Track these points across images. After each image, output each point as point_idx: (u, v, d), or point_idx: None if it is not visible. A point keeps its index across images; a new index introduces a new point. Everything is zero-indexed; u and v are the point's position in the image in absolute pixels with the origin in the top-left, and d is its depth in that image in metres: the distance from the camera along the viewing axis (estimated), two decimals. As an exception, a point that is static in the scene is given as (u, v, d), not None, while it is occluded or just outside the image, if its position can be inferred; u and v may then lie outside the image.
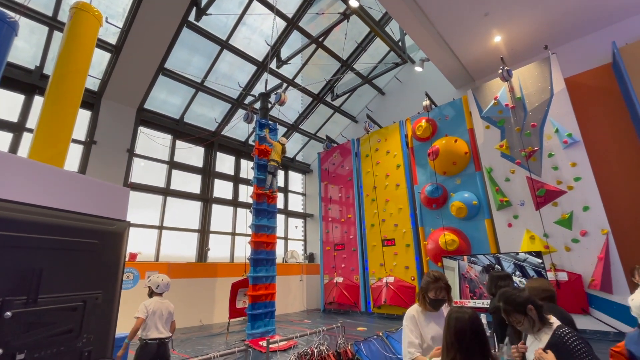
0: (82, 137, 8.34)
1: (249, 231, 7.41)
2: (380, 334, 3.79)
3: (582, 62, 7.75)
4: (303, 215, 14.12)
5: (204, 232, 10.28)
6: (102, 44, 7.77)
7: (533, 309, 1.94)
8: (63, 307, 1.22)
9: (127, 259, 7.71)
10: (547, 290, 2.46)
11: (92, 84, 8.50)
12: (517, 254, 6.17)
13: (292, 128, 12.52)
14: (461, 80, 9.80)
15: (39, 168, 1.50)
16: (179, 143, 10.36)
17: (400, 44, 10.51)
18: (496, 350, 2.69)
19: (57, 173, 1.60)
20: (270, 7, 8.53)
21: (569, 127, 6.85)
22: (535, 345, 1.98)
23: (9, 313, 1.02)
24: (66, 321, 1.23)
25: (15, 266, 1.10)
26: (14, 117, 7.38)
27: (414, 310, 2.35)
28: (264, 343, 2.85)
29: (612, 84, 7.23)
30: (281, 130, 12.14)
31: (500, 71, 7.65)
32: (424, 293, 2.31)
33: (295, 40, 10.43)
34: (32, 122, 7.49)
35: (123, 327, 4.68)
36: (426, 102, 9.16)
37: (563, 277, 6.30)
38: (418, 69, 10.74)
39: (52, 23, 7.30)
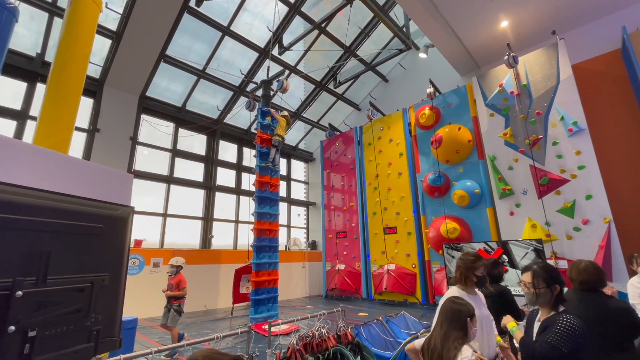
0: (86, 125, 8.37)
1: (252, 219, 7.49)
2: (381, 318, 3.87)
3: (590, 48, 7.58)
4: (305, 204, 14.20)
5: (208, 219, 10.40)
6: (103, 30, 7.70)
7: (558, 288, 1.91)
8: (71, 288, 1.27)
9: (132, 246, 7.84)
10: (592, 274, 2.20)
11: (94, 71, 8.46)
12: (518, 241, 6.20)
13: (295, 116, 12.45)
14: (466, 67, 9.63)
15: (46, 154, 1.53)
16: (181, 131, 10.36)
17: (404, 29, 10.30)
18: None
19: (62, 159, 1.63)
20: (272, -8, 8.37)
21: (574, 114, 6.76)
22: (536, 326, 1.98)
23: (20, 292, 1.06)
24: (75, 301, 1.27)
25: (24, 248, 1.14)
26: (17, 105, 7.40)
27: (456, 292, 2.27)
28: (266, 327, 2.92)
29: (621, 71, 7.08)
30: (283, 118, 12.08)
31: (506, 57, 7.51)
32: (471, 272, 2.27)
33: (298, 26, 10.25)
34: (35, 109, 7.52)
35: (130, 310, 4.83)
36: (430, 90, 9.05)
37: (563, 265, 6.34)
38: (422, 55, 10.56)
39: (51, 9, 7.23)
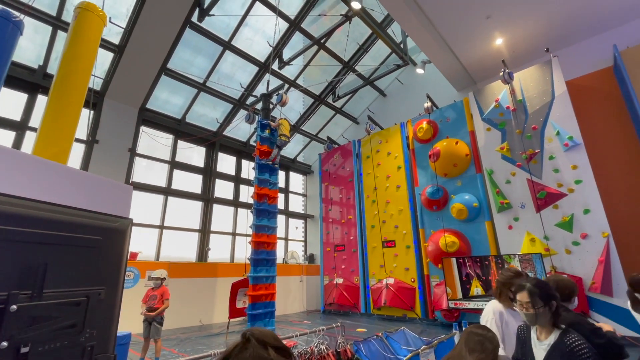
0: (84, 136, 8.37)
1: (250, 231, 7.43)
2: (380, 334, 3.79)
3: (583, 65, 7.77)
4: (303, 216, 14.13)
5: (205, 232, 10.29)
6: (105, 44, 7.81)
7: (555, 304, 1.88)
8: (67, 302, 1.24)
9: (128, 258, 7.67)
10: (569, 287, 2.35)
11: (95, 83, 8.53)
12: (516, 255, 6.18)
13: (294, 129, 12.53)
14: (463, 83, 9.82)
15: (44, 164, 1.52)
16: (180, 143, 10.39)
17: (402, 45, 10.53)
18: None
19: (61, 170, 1.62)
20: (273, 9, 8.57)
21: (570, 129, 6.85)
22: (538, 348, 1.96)
23: (14, 307, 1.04)
24: (70, 316, 1.24)
25: (20, 261, 1.12)
26: (16, 116, 7.41)
27: (499, 306, 2.28)
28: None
29: (613, 87, 7.24)
30: (282, 131, 12.17)
31: (501, 74, 7.67)
32: (507, 288, 2.25)
33: (297, 41, 10.47)
34: (34, 121, 7.53)
35: (124, 325, 4.70)
36: (427, 104, 9.18)
37: (563, 279, 6.29)
38: (419, 71, 10.76)
39: (55, 23, 7.35)
